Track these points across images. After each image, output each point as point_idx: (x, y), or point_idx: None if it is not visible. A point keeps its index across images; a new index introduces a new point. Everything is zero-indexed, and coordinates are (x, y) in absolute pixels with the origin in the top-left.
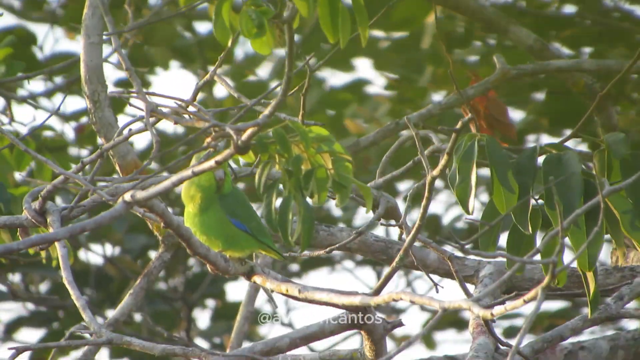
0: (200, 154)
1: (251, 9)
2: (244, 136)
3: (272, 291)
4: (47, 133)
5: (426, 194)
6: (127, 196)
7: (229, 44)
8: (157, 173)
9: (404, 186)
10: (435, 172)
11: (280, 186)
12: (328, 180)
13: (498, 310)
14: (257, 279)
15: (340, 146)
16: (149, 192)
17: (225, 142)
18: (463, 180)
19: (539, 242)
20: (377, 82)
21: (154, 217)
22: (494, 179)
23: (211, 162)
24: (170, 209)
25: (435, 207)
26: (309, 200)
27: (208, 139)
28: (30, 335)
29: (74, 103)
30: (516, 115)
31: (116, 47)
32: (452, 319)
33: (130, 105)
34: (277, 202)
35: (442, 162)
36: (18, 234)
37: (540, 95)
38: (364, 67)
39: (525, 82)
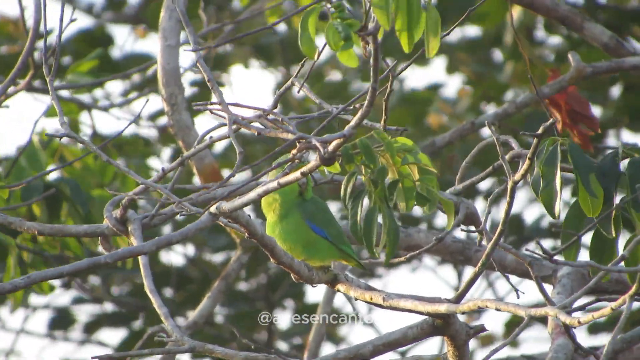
0: (281, 161)
1: (337, 22)
2: (330, 147)
3: (357, 299)
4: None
5: (507, 199)
6: (213, 208)
7: (316, 57)
8: (244, 185)
9: (485, 185)
10: (517, 177)
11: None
12: (414, 190)
13: (585, 318)
14: (341, 287)
15: (426, 157)
16: (234, 204)
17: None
18: (547, 184)
19: (620, 244)
20: (453, 83)
21: (238, 227)
22: (578, 183)
23: (297, 174)
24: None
25: (516, 206)
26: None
27: (294, 151)
28: (110, 335)
29: (152, 103)
30: (594, 111)
31: (198, 58)
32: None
33: (212, 113)
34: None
35: (525, 167)
36: (99, 242)
37: (617, 90)
38: (439, 65)
39: (602, 78)
